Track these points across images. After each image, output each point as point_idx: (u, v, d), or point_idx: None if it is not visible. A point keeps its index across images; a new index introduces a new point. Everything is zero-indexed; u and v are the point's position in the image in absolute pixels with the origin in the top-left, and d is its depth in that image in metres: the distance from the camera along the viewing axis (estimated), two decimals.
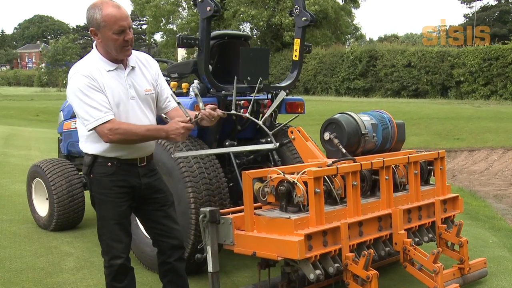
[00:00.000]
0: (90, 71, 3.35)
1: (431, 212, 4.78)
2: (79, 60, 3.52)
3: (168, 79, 5.65)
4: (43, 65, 58.44)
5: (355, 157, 4.54)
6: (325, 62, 37.61)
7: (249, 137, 5.62)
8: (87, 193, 6.31)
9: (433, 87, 32.42)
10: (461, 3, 55.24)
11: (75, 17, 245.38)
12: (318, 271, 3.71)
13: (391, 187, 4.48)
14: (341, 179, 4.22)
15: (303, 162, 4.83)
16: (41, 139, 16.14)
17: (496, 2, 53.34)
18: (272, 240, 3.77)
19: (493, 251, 5.73)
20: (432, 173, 5.04)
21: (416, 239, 4.53)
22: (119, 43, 3.35)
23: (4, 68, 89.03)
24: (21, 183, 8.45)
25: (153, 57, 3.77)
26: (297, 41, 5.59)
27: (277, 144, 3.53)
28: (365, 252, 3.88)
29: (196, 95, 3.49)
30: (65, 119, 6.70)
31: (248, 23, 41.38)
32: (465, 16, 55.69)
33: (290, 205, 3.95)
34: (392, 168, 4.56)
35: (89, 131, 3.37)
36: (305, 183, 3.89)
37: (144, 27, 65.89)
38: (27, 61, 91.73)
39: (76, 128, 6.23)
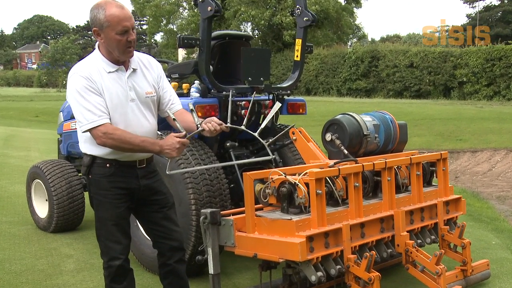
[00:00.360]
0: (89, 72, 3.34)
1: (434, 213, 4.75)
2: (78, 60, 3.50)
3: (169, 79, 5.63)
4: (35, 66, 58.35)
5: (357, 158, 4.52)
6: (326, 63, 37.62)
7: (250, 138, 5.59)
8: (87, 195, 6.29)
9: (436, 88, 32.42)
10: (463, 3, 55.29)
11: (75, 17, 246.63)
12: (319, 273, 3.69)
13: (393, 188, 4.46)
14: (343, 180, 4.20)
15: (305, 163, 4.81)
16: (41, 140, 16.15)
17: (499, 2, 53.30)
18: (274, 242, 3.76)
19: (496, 253, 5.70)
20: (434, 174, 5.02)
21: (419, 241, 4.51)
22: (122, 43, 3.33)
23: (1, 67, 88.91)
24: (21, 184, 8.44)
25: (153, 58, 3.74)
26: (298, 42, 5.57)
27: (274, 156, 3.51)
28: (367, 254, 3.86)
29: (191, 110, 3.45)
30: (65, 120, 6.68)
31: (249, 23, 41.39)
32: (468, 16, 55.74)
33: (291, 206, 3.92)
34: (394, 169, 4.53)
35: (82, 132, 3.36)
36: (307, 184, 3.87)
37: (144, 27, 66.09)
38: (26, 61, 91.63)
39: (76, 129, 6.26)
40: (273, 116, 5.51)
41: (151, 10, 44.67)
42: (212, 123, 3.39)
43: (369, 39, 62.84)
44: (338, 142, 4.75)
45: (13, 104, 33.00)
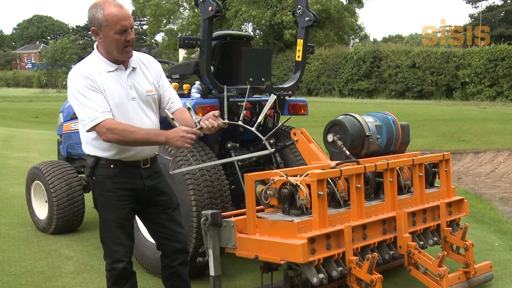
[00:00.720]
0: (89, 72, 3.33)
1: (436, 215, 4.74)
2: (78, 61, 3.49)
3: (170, 80, 5.60)
4: (34, 66, 58.23)
5: (359, 159, 4.50)
6: (328, 63, 37.58)
7: (251, 139, 5.57)
8: (87, 196, 6.31)
9: (438, 88, 32.36)
10: (466, 3, 55.24)
11: (74, 17, 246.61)
12: (321, 275, 3.67)
13: (396, 189, 4.45)
14: (345, 181, 4.18)
15: (306, 164, 4.80)
16: (41, 141, 16.15)
17: (502, 2, 53.24)
18: (275, 244, 3.74)
19: (499, 254, 5.68)
20: (437, 176, 5.00)
21: (421, 243, 4.50)
22: (120, 43, 3.32)
23: None
24: (20, 186, 8.43)
25: (153, 57, 3.72)
26: (300, 42, 5.55)
27: (273, 150, 3.48)
28: (369, 255, 3.85)
29: (189, 109, 3.42)
30: (65, 120, 6.66)
31: (250, 23, 41.39)
32: (471, 16, 55.68)
33: (293, 208, 3.91)
34: (397, 170, 4.52)
35: (87, 131, 3.34)
36: (308, 186, 3.85)
37: (145, 27, 66.12)
38: (26, 62, 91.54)
39: (76, 130, 6.25)
40: (275, 116, 5.52)
41: (151, 9, 44.58)
42: (210, 120, 3.36)
43: (371, 39, 62.92)
44: (340, 143, 4.73)
45: (12, 104, 33.01)
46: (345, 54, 37.35)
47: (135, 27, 3.49)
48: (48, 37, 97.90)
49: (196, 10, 39.56)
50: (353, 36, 52.77)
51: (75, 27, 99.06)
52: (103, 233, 3.52)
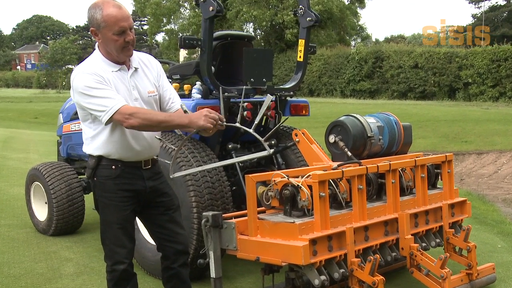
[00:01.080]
0: (95, 70, 3.31)
1: (439, 216, 4.72)
2: (78, 61, 3.46)
3: (170, 80, 5.58)
4: (29, 66, 58.04)
5: (361, 160, 4.49)
6: (330, 63, 37.58)
7: (252, 140, 5.54)
8: (87, 197, 6.29)
9: (441, 89, 32.35)
10: (469, 3, 55.20)
11: (74, 18, 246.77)
12: (323, 277, 3.65)
13: (398, 191, 4.43)
14: (347, 182, 4.16)
15: (308, 165, 4.79)
16: (40, 142, 16.15)
17: (505, 2, 53.15)
18: (276, 245, 3.73)
19: (502, 256, 5.66)
20: (439, 177, 4.99)
21: (423, 244, 4.48)
22: (119, 44, 3.29)
23: None
24: (20, 187, 8.41)
25: (153, 56, 3.70)
26: (301, 42, 5.53)
27: (271, 151, 3.44)
28: (371, 257, 3.82)
29: (185, 111, 3.37)
30: (65, 121, 6.64)
31: (251, 23, 41.40)
32: (473, 16, 55.59)
33: (294, 209, 3.89)
34: (399, 171, 4.50)
35: (105, 123, 3.27)
36: (310, 187, 3.83)
37: (145, 27, 66.18)
38: (25, 62, 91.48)
39: (75, 130, 6.24)
40: (276, 117, 5.50)
41: (151, 8, 44.56)
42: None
43: (373, 40, 62.94)
44: (341, 144, 4.71)
45: (12, 105, 33.08)
46: (347, 54, 37.36)
47: (135, 27, 3.47)
48: (48, 37, 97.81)
49: (196, 10, 39.58)
50: (355, 37, 52.80)
51: (75, 27, 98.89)
52: (104, 234, 3.50)
